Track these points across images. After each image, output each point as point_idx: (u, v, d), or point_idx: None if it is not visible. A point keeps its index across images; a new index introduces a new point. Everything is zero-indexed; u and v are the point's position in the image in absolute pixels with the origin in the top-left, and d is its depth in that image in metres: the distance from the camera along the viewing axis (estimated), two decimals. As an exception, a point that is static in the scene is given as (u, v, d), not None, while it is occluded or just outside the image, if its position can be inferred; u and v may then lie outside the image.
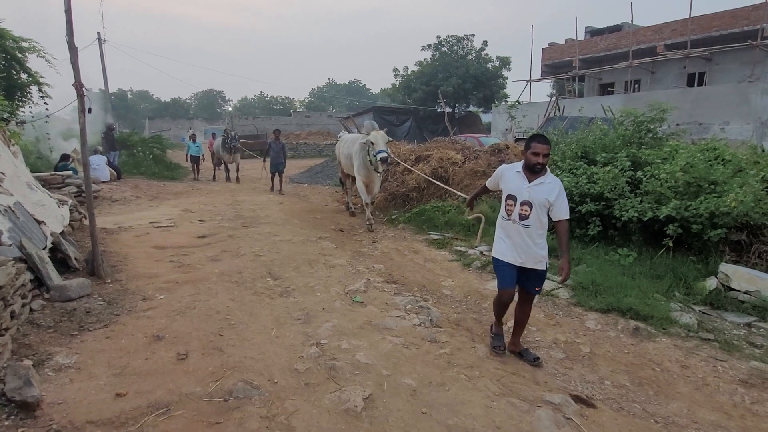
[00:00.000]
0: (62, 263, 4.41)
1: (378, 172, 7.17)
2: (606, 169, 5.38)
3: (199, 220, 7.79)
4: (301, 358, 3.02)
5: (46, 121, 8.92)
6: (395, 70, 31.13)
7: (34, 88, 8.41)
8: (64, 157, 10.33)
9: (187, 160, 15.40)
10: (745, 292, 3.97)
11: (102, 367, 2.77)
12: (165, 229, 6.95)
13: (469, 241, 6.13)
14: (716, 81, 18.16)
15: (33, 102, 8.41)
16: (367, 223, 7.27)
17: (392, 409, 2.48)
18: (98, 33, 20.28)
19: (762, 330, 3.51)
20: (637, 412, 2.57)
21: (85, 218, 6.62)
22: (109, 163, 12.16)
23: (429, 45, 29.33)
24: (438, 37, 29.08)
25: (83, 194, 8.55)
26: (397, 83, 31.73)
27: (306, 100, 70.65)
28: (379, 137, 6.73)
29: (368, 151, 6.93)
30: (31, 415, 2.21)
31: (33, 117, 8.46)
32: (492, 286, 4.63)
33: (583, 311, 3.94)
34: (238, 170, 14.19)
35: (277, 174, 12.07)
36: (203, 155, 15.55)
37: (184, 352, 3.01)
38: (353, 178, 8.10)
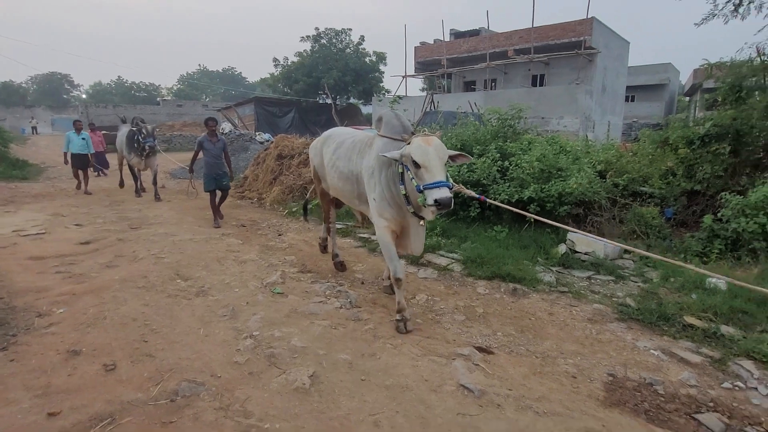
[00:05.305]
0: None
1: (422, 219, 3.43)
2: (482, 159, 6.22)
3: (76, 225, 6.91)
4: (238, 350, 3.09)
5: None
6: (275, 60, 30.22)
7: None
8: None
9: (66, 161, 10.14)
10: (585, 253, 5.07)
11: (19, 391, 2.52)
12: (36, 237, 6.05)
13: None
14: (553, 82, 21.44)
15: None
16: (397, 317, 3.54)
17: (335, 381, 2.74)
18: None
19: (598, 280, 4.57)
20: (523, 352, 3.23)
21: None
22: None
23: (308, 36, 29.03)
24: (317, 29, 28.96)
25: None
26: (277, 73, 30.83)
27: (175, 88, 64.28)
28: (431, 152, 3.01)
29: (402, 174, 3.26)
30: (-47, 451, 1.98)
31: None
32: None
33: (473, 280, 4.62)
34: (155, 180, 9.67)
35: (218, 193, 7.29)
36: (92, 154, 10.47)
37: (110, 363, 2.86)
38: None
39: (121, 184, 10.80)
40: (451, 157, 3.24)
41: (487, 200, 4.32)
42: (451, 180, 3.20)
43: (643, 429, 2.40)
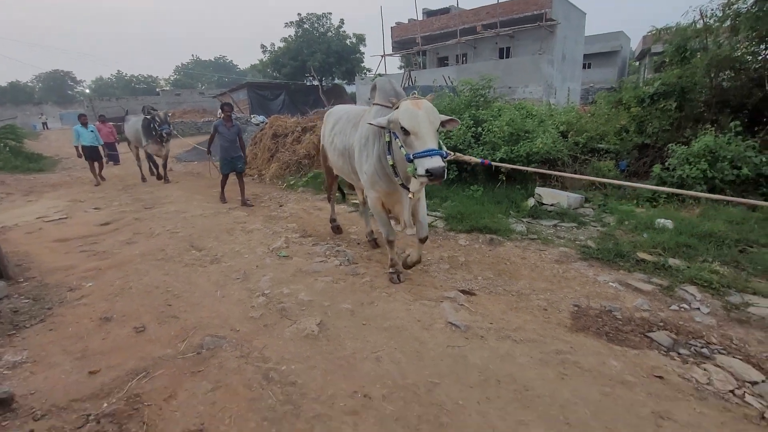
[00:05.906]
0: (-47, 271, 3.58)
1: (410, 191, 2.80)
2: (457, 127, 6.13)
3: (95, 209, 6.73)
4: (253, 307, 3.11)
5: None
6: (263, 46, 28.87)
7: None
8: None
9: (79, 154, 9.15)
10: (551, 205, 5.12)
11: (59, 355, 2.51)
12: (59, 222, 5.90)
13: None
14: (518, 54, 20.92)
15: None
16: (390, 270, 3.51)
17: (340, 327, 2.79)
18: None
19: (563, 227, 4.63)
20: (501, 291, 3.31)
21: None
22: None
23: (292, 22, 27.61)
24: (299, 14, 27.56)
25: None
26: (266, 59, 29.54)
27: (172, 78, 61.41)
28: (422, 117, 2.49)
29: (389, 143, 2.83)
30: (8, 410, 1.98)
31: None
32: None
33: (455, 234, 4.66)
34: (165, 164, 9.20)
35: (235, 175, 6.83)
36: (103, 145, 9.59)
37: (140, 326, 2.86)
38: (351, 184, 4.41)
39: (146, 178, 9.62)
40: (441, 123, 2.68)
41: (492, 162, 3.70)
42: (444, 148, 2.70)
43: (605, 348, 2.50)
